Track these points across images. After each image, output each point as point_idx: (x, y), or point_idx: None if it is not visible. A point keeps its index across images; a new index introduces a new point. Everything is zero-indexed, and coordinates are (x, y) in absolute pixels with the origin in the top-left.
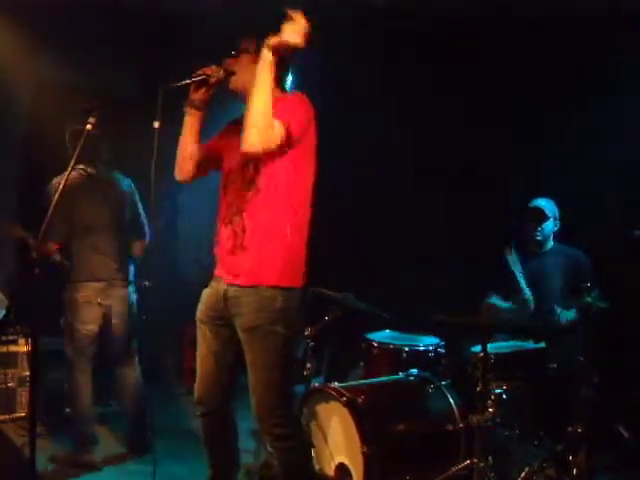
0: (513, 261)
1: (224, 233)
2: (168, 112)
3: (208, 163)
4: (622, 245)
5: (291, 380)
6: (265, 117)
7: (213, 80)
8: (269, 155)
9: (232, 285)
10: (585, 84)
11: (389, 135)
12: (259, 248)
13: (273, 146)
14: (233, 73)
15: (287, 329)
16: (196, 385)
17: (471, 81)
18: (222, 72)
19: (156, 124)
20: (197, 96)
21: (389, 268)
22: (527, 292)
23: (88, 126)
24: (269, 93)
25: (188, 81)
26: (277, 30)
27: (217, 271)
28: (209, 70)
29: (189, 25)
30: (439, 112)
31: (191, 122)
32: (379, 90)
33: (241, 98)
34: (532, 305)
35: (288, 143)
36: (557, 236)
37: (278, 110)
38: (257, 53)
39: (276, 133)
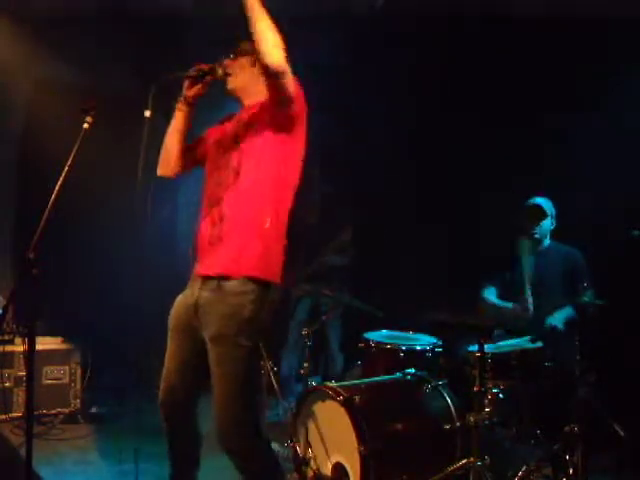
0: (525, 261)
1: (203, 226)
2: (162, 106)
3: (192, 160)
4: (622, 245)
5: (256, 394)
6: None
7: (209, 78)
8: (261, 140)
9: (206, 280)
10: (586, 84)
11: (389, 135)
12: (236, 237)
13: (290, 83)
14: (230, 74)
15: (252, 341)
16: (161, 388)
17: (471, 82)
18: (220, 71)
19: (147, 113)
20: (190, 92)
21: (388, 268)
22: (529, 299)
23: (85, 125)
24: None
25: (184, 75)
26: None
27: (195, 270)
28: (206, 67)
29: (189, 25)
30: (439, 112)
31: (180, 117)
32: (380, 91)
33: (237, 99)
34: (531, 311)
35: (293, 109)
36: (554, 235)
37: None
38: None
39: (291, 78)
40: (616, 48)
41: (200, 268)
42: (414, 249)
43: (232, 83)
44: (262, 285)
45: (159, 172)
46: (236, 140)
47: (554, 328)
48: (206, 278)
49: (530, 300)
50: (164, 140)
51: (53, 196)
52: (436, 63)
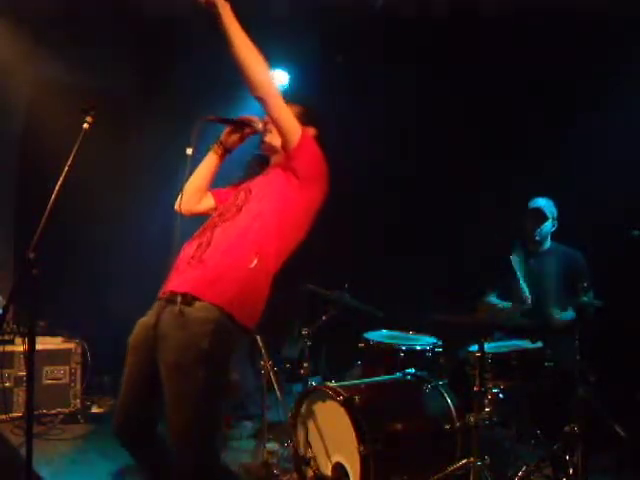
0: (515, 261)
1: (187, 247)
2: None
3: (208, 205)
4: (622, 245)
5: (212, 425)
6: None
7: (249, 130)
8: (271, 185)
9: (169, 304)
10: (587, 84)
11: (390, 135)
12: (217, 264)
13: (283, 110)
14: (270, 130)
15: (209, 372)
16: (115, 412)
17: (471, 81)
18: (260, 125)
19: (189, 150)
20: (230, 138)
21: (387, 267)
22: (526, 291)
23: (85, 125)
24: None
25: (227, 120)
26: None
27: (161, 291)
28: (253, 119)
29: (189, 25)
30: (439, 112)
31: (212, 161)
32: (381, 91)
33: (266, 156)
34: (530, 302)
35: (293, 149)
36: (555, 236)
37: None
38: (298, 118)
39: (286, 110)
40: (616, 48)
41: (167, 286)
42: (414, 249)
43: (269, 137)
44: (227, 318)
45: (176, 207)
46: (250, 187)
47: (555, 319)
48: (169, 301)
49: (527, 292)
50: (190, 178)
51: (53, 196)
52: (436, 62)
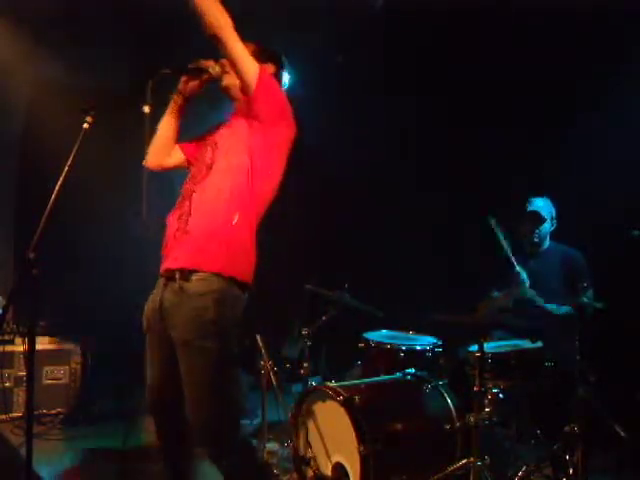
0: (497, 230)
1: (171, 220)
2: (161, 101)
3: (178, 158)
4: (622, 245)
5: (231, 397)
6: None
7: (206, 75)
8: (235, 135)
9: (169, 281)
10: (587, 84)
11: (389, 135)
12: (202, 231)
13: (240, 51)
14: (226, 72)
15: (220, 342)
16: (146, 392)
17: (471, 81)
18: (217, 67)
19: (146, 109)
20: (188, 87)
21: (387, 267)
22: (518, 268)
23: (85, 125)
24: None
25: (182, 69)
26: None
27: (161, 268)
28: (207, 63)
29: (189, 25)
30: (440, 112)
31: (174, 111)
32: (380, 90)
33: (230, 99)
34: (526, 282)
35: (252, 93)
36: (555, 235)
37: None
38: (255, 56)
39: (246, 55)
40: (616, 48)
41: (164, 263)
42: (414, 249)
43: (226, 80)
44: (226, 281)
45: (146, 162)
46: (215, 139)
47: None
48: (169, 278)
49: (523, 274)
50: (156, 132)
51: (53, 196)
52: (436, 62)
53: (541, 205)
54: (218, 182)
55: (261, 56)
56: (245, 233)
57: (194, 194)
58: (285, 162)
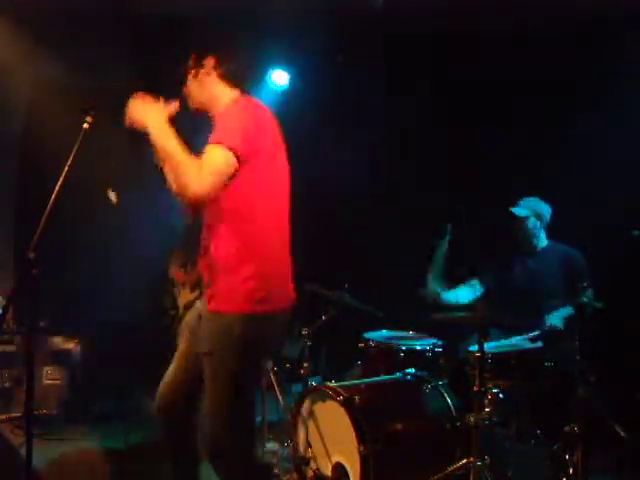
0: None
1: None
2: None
3: None
4: (622, 245)
5: (243, 413)
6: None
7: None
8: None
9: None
10: (587, 84)
11: (389, 135)
12: (217, 282)
13: (224, 178)
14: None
15: (239, 359)
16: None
17: (472, 81)
18: (177, 104)
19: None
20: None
21: (387, 267)
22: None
23: (85, 125)
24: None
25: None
26: None
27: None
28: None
29: (189, 25)
30: (440, 112)
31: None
32: (380, 90)
33: (209, 114)
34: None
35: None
36: (554, 235)
37: (218, 130)
38: (196, 65)
39: (222, 163)
40: (616, 48)
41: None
42: (414, 249)
43: (191, 104)
44: (248, 317)
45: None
46: None
47: (553, 328)
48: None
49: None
50: None
51: (53, 196)
52: (436, 62)
53: (522, 204)
54: (211, 218)
55: (226, 80)
56: (245, 260)
57: (210, 245)
58: (271, 169)
